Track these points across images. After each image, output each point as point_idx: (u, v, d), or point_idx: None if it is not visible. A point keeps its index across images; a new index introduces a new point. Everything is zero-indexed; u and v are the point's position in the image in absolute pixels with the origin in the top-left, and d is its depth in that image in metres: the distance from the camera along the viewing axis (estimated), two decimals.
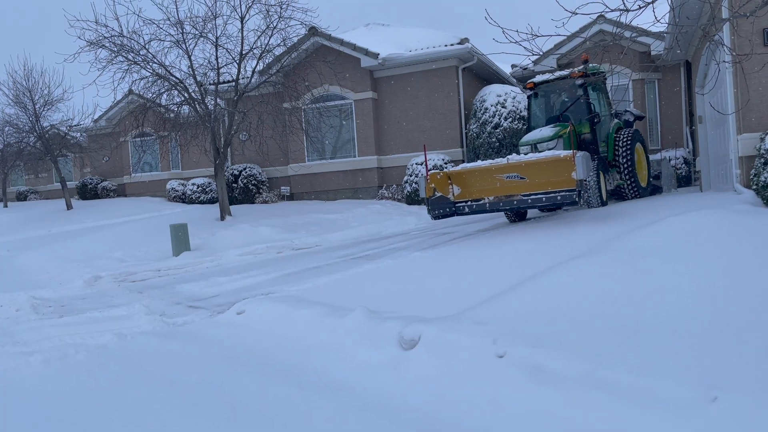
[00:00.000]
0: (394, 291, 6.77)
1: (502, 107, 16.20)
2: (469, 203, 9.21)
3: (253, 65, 15.85)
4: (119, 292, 9.39)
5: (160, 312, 7.44)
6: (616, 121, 11.77)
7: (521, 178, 8.28)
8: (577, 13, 5.11)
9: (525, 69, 18.88)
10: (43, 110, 23.39)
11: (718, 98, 9.90)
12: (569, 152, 7.95)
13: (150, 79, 15.48)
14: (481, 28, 6.08)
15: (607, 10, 5.24)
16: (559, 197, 7.93)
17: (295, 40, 16.87)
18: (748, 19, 6.53)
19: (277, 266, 10.23)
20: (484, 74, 20.13)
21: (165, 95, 15.87)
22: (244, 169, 19.38)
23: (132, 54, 15.05)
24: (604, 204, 9.50)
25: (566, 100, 11.48)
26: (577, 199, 7.66)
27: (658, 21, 5.28)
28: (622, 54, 7.26)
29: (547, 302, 4.81)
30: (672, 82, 18.03)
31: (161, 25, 15.09)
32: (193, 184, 21.44)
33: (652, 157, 13.48)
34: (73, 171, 28.62)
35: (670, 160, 16.00)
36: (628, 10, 5.11)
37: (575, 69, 11.11)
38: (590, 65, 11.17)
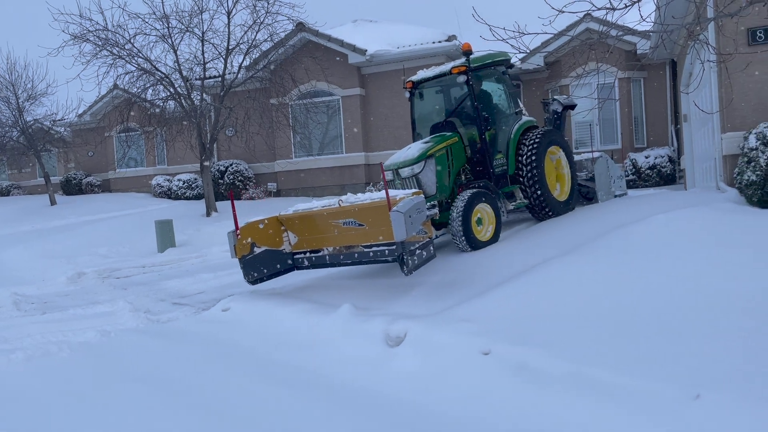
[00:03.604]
0: (382, 287, 6.75)
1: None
2: (308, 254, 7.09)
3: (240, 60, 15.78)
4: (103, 288, 9.30)
5: (145, 309, 7.39)
6: (524, 120, 8.90)
7: (359, 224, 6.45)
8: (564, 11, 5.13)
9: (512, 67, 18.91)
10: (27, 104, 23.07)
11: (703, 97, 9.99)
12: (382, 200, 5.98)
13: (135, 73, 15.34)
14: (469, 26, 6.05)
15: (594, 8, 5.27)
16: (387, 251, 6.25)
17: (283, 35, 16.80)
18: (733, 19, 6.59)
19: None
20: None
21: (150, 90, 15.74)
22: (231, 165, 19.27)
23: (117, 48, 14.90)
24: (479, 246, 7.44)
25: (454, 101, 8.91)
26: (399, 261, 5.91)
27: (644, 20, 5.31)
28: (608, 53, 7.14)
29: (532, 300, 4.83)
30: (657, 80, 18.18)
31: (147, 19, 14.96)
32: (179, 180, 21.27)
33: (583, 156, 10.37)
34: (58, 166, 28.28)
35: (613, 156, 13.79)
36: (614, 9, 5.14)
37: (456, 62, 8.48)
38: (481, 54, 8.58)
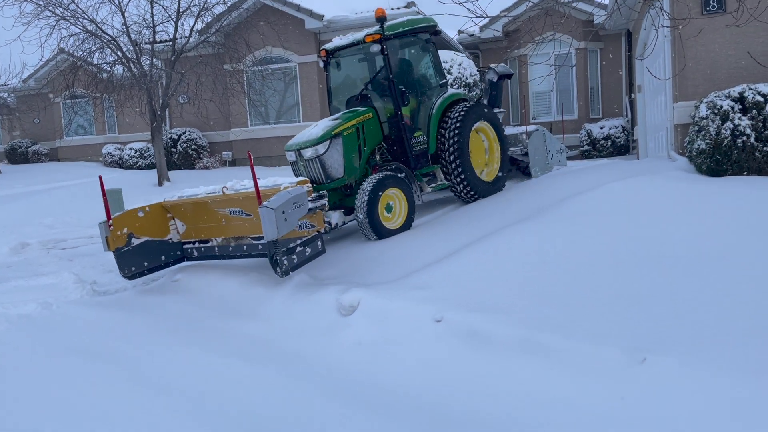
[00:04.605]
0: (339, 257, 6.66)
1: (448, 74, 16.11)
2: (196, 245, 6.61)
3: (191, 24, 15.21)
4: (48, 260, 8.94)
5: (91, 280, 7.10)
6: (449, 93, 8.18)
7: (247, 214, 5.98)
8: None
9: (471, 36, 18.79)
10: None
11: (657, 66, 10.09)
12: (266, 189, 5.57)
13: (81, 36, 14.65)
14: None
15: None
16: (260, 246, 5.92)
17: None
18: None
19: None
20: None
21: (97, 54, 15.07)
22: (184, 133, 18.72)
23: (60, 9, 14.18)
24: (387, 234, 6.84)
25: (371, 73, 8.06)
26: (271, 261, 5.40)
27: None
28: (564, 19, 7.04)
29: (486, 267, 4.81)
30: (613, 51, 18.34)
31: None
32: (131, 149, 20.58)
33: (519, 130, 9.67)
34: (2, 134, 27.09)
35: (551, 128, 13.04)
36: None
37: (370, 30, 7.72)
38: (400, 20, 7.84)
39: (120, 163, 20.99)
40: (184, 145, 18.52)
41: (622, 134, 16.73)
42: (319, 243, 5.78)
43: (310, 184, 5.71)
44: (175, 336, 5.02)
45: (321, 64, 8.40)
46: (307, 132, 7.40)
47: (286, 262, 5.40)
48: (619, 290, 4.12)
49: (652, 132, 12.20)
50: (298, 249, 5.55)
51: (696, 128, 7.32)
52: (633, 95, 16.31)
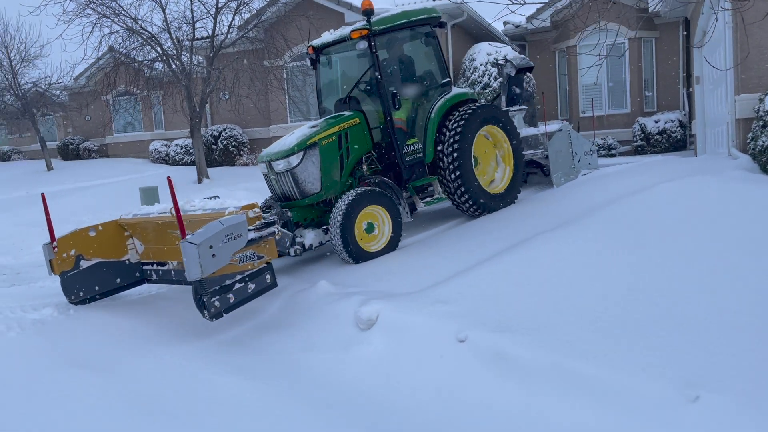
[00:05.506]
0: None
1: (493, 66, 15.52)
2: (155, 267, 5.91)
3: (230, 19, 15.08)
4: None
5: None
6: (452, 93, 7.24)
7: None
8: None
9: (517, 26, 18.12)
10: (20, 67, 22.53)
11: (717, 56, 9.30)
12: (211, 213, 5.01)
13: (122, 33, 14.72)
14: None
15: None
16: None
17: None
18: None
19: None
20: (475, 32, 19.33)
21: (139, 51, 15.12)
22: (224, 129, 18.69)
23: (102, 7, 14.26)
24: (366, 257, 6.11)
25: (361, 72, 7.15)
26: (197, 303, 4.57)
27: None
28: (610, 4, 6.37)
29: (513, 281, 4.34)
30: (670, 41, 17.29)
31: None
32: (177, 145, 20.75)
33: (539, 130, 8.57)
34: (57, 131, 27.84)
35: (578, 129, 11.26)
36: None
37: (356, 25, 6.87)
38: (392, 13, 7.02)
39: (166, 159, 21.22)
40: (225, 142, 18.50)
41: (679, 129, 15.78)
42: (268, 276, 4.94)
43: (257, 209, 4.92)
44: (176, 346, 4.73)
45: (308, 62, 7.60)
46: (282, 141, 6.67)
47: (217, 303, 4.56)
48: (663, 313, 3.59)
49: (711, 126, 11.36)
50: (237, 286, 4.73)
51: (760, 123, 6.62)
52: (691, 87, 15.35)
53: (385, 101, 6.63)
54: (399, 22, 6.95)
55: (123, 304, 6.01)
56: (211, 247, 4.38)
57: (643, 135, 15.97)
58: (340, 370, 4.15)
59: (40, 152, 23.42)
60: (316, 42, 7.38)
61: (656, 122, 15.96)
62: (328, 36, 7.25)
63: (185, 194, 13.73)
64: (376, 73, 6.62)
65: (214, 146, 18.46)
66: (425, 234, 7.08)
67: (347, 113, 6.75)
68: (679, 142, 15.74)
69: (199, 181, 15.31)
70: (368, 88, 7.01)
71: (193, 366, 4.27)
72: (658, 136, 15.79)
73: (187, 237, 4.43)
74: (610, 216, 5.18)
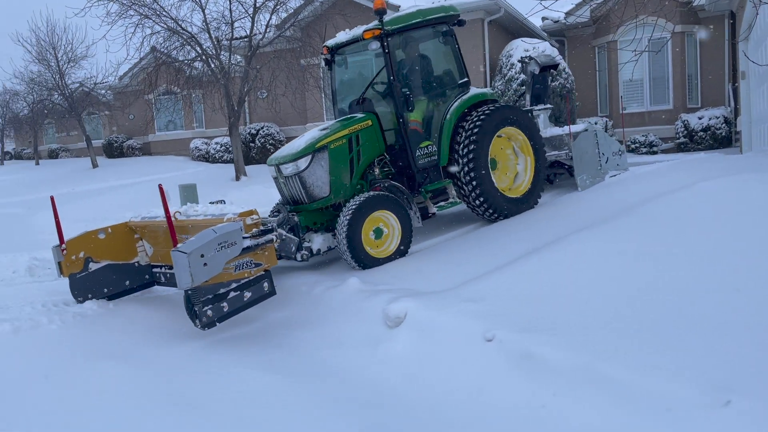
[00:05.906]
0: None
1: (519, 62, 15.33)
2: (163, 270, 5.93)
3: (267, 19, 15.27)
4: None
5: None
6: (470, 94, 7.07)
7: None
8: None
9: (556, 22, 17.84)
10: (67, 67, 23.25)
11: (763, 50, 8.98)
12: (212, 219, 5.00)
13: (163, 33, 15.06)
14: None
15: None
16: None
17: None
18: None
19: None
20: (512, 28, 19.12)
21: (179, 51, 15.45)
22: (262, 128, 18.96)
23: (144, 8, 14.60)
24: (374, 264, 6.07)
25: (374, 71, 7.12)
26: (189, 312, 4.53)
27: None
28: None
29: (544, 281, 4.29)
30: (715, 34, 16.79)
31: None
32: (216, 143, 21.15)
33: (563, 130, 8.32)
34: (103, 130, 28.67)
35: (606, 128, 10.88)
36: None
37: (369, 25, 6.77)
38: (407, 12, 6.89)
39: (206, 157, 21.60)
40: (262, 140, 18.75)
41: (724, 125, 15.32)
42: (266, 284, 4.89)
43: (256, 216, 4.87)
44: (208, 337, 4.82)
45: (323, 63, 7.47)
46: (291, 144, 6.63)
47: (209, 312, 4.52)
48: (700, 318, 3.49)
49: (757, 123, 11.00)
50: (232, 295, 4.68)
51: None
52: (737, 83, 14.88)
53: (398, 103, 6.55)
54: (413, 21, 6.82)
55: (160, 299, 6.17)
56: (202, 255, 4.33)
57: (686, 132, 15.57)
58: (367, 367, 4.17)
59: (86, 150, 24.20)
60: (330, 42, 7.33)
61: (700, 119, 15.54)
62: (342, 36, 7.17)
63: (223, 191, 13.99)
64: (389, 74, 6.54)
65: (251, 144, 18.74)
66: (444, 237, 7.06)
67: (359, 115, 6.68)
68: (724, 139, 15.29)
69: (237, 178, 15.57)
70: (382, 89, 6.91)
71: (225, 360, 4.35)
72: (701, 133, 15.37)
73: (178, 246, 4.40)
74: (640, 217, 5.07)
